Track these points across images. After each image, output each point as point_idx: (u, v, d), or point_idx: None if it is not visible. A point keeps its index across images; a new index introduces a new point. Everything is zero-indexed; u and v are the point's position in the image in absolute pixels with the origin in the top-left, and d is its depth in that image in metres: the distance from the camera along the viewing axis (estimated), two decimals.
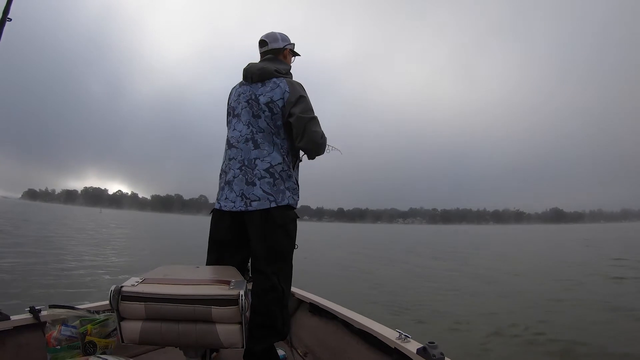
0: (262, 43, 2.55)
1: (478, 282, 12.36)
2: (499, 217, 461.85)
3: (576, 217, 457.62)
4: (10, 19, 2.20)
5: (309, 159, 2.46)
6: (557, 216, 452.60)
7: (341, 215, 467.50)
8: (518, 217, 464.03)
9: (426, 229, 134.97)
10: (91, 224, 39.65)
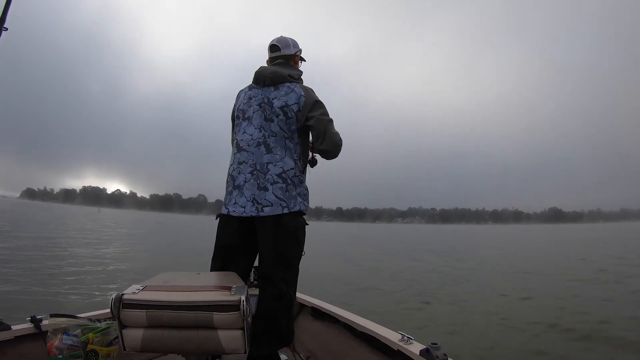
0: (274, 48, 2.54)
1: (481, 281, 12.45)
2: (498, 216, 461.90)
3: (575, 217, 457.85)
4: (7, 29, 2.20)
5: (314, 162, 2.46)
6: (556, 216, 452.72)
7: (340, 214, 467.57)
8: (517, 216, 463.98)
9: (427, 229, 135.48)
10: (90, 224, 39.49)
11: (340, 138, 2.38)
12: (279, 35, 2.57)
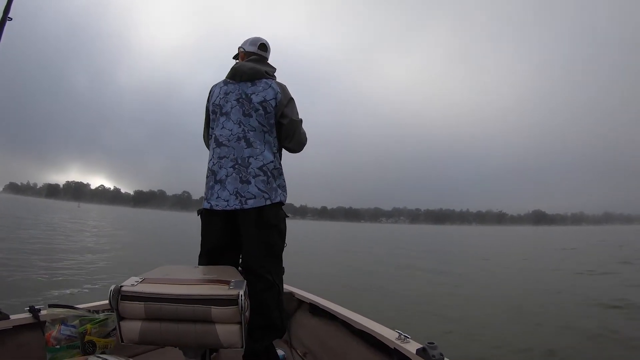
0: (264, 47, 2.63)
1: (476, 281, 12.60)
2: (482, 218, 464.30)
3: (559, 220, 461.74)
4: (11, 19, 2.22)
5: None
6: (539, 218, 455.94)
7: (324, 213, 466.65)
8: (500, 218, 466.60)
9: (413, 229, 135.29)
10: (74, 220, 38.88)
11: (306, 137, 2.58)
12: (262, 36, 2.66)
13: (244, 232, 2.25)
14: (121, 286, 1.62)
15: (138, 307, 1.60)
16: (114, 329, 2.08)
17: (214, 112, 2.45)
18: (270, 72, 2.51)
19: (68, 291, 7.82)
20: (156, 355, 2.55)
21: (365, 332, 2.39)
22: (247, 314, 1.69)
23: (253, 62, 2.51)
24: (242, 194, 2.22)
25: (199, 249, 2.38)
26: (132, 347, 2.31)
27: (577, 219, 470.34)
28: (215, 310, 1.60)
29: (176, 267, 2.06)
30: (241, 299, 1.60)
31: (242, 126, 2.32)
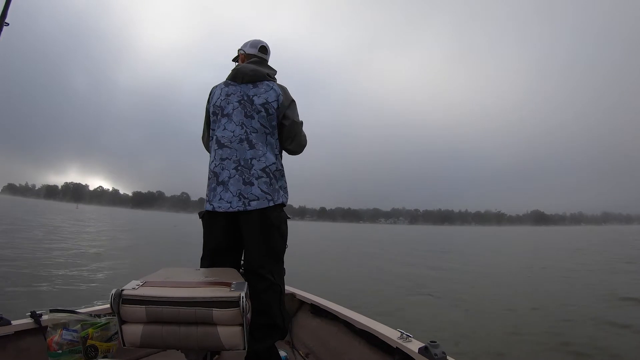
0: (264, 49, 2.64)
1: (481, 281, 12.61)
2: (481, 218, 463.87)
3: (557, 220, 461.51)
4: (8, 24, 2.22)
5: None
6: (538, 218, 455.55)
7: (323, 214, 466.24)
8: (499, 218, 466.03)
9: (418, 229, 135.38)
10: (73, 222, 38.72)
11: (306, 140, 2.61)
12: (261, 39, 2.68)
13: (246, 234, 2.25)
14: (122, 290, 1.62)
15: (139, 310, 1.59)
16: (116, 333, 2.09)
17: (214, 113, 2.44)
18: (271, 75, 2.52)
19: (68, 295, 7.79)
20: (158, 358, 2.55)
21: (367, 332, 2.41)
22: (248, 315, 1.69)
23: (255, 64, 2.52)
24: (246, 196, 2.22)
25: (201, 251, 2.37)
26: (134, 350, 2.31)
27: (576, 219, 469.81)
28: (217, 313, 1.60)
29: (177, 270, 2.06)
30: (242, 301, 1.60)
31: (244, 128, 2.32)
